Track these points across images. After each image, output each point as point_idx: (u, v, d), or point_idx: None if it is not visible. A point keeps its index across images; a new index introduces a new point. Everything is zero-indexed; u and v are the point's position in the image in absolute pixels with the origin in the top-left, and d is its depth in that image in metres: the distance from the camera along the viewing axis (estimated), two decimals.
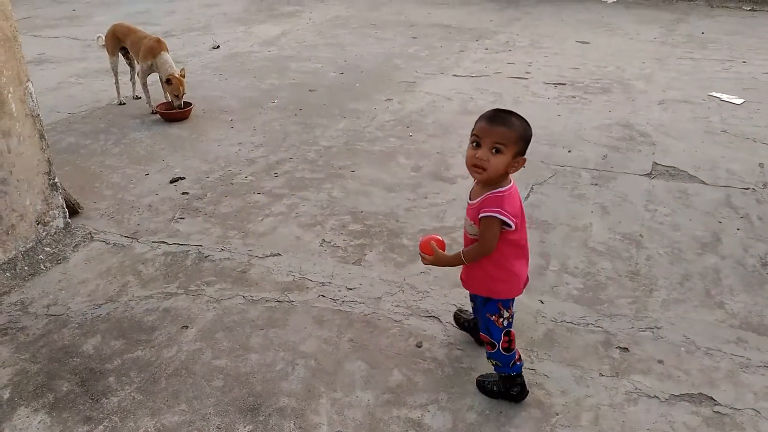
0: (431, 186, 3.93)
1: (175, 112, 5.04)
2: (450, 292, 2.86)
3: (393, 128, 4.86)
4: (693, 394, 2.30)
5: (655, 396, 2.29)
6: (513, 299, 2.17)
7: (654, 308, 2.76)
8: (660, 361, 2.46)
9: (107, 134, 4.81)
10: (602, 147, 4.44)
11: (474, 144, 1.98)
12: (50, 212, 3.16)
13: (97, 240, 3.36)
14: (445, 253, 2.16)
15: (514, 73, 6.15)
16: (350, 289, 2.92)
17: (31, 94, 2.96)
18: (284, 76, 6.23)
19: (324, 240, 3.34)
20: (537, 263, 3.08)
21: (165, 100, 5.20)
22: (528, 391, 2.27)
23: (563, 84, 5.81)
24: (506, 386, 2.25)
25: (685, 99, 5.39)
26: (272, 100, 5.57)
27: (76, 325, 2.71)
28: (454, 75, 6.17)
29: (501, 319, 2.15)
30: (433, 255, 2.15)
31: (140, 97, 5.47)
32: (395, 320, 2.69)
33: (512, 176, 2.06)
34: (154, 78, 5.30)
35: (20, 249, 3.04)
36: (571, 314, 2.73)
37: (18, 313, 2.79)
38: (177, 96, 4.95)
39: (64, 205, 3.24)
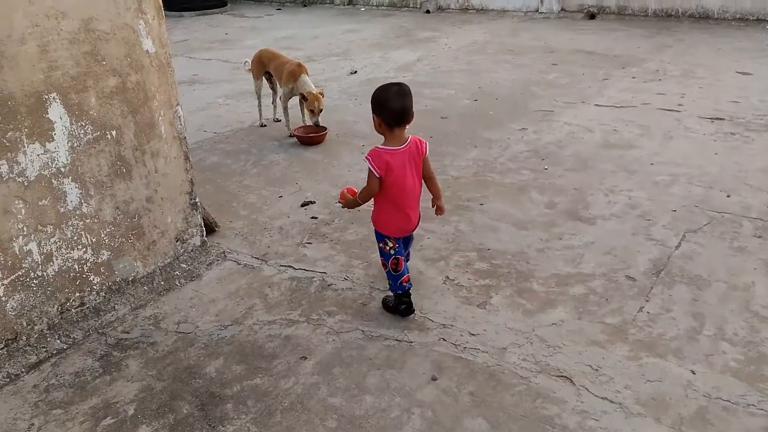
0: (567, 225, 3.67)
1: (311, 136, 5.16)
2: (586, 350, 2.60)
3: (527, 160, 4.64)
4: None
5: None
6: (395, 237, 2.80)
7: None
8: None
9: (247, 155, 5.02)
10: (767, 193, 3.94)
11: None
12: (189, 230, 3.30)
13: (230, 259, 3.46)
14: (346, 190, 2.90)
15: (665, 105, 5.68)
16: (473, 335, 2.75)
17: (179, 117, 3.12)
18: (417, 102, 6.16)
19: (447, 277, 3.21)
20: (689, 325, 2.73)
21: (303, 124, 5.36)
22: (414, 310, 2.85)
23: (721, 119, 5.27)
24: (396, 303, 2.86)
25: None
26: None
27: (202, 345, 2.78)
28: (597, 105, 5.82)
29: (387, 247, 2.81)
30: (344, 199, 2.87)
31: (280, 120, 5.68)
32: (521, 376, 2.48)
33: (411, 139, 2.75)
34: (294, 102, 5.47)
35: (159, 264, 3.20)
36: (728, 390, 2.37)
37: (150, 327, 2.92)
38: (313, 112, 5.04)
39: (202, 223, 3.39)
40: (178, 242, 3.29)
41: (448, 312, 2.92)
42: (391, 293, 2.90)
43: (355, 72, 7.50)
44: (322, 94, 5.06)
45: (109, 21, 2.72)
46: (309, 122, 5.40)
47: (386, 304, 2.93)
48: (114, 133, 2.83)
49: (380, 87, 2.67)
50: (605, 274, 3.15)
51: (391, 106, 2.61)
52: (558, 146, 4.88)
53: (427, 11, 11.52)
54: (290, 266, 3.37)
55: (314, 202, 4.10)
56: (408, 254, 3.09)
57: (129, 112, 2.85)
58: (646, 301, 2.92)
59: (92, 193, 2.79)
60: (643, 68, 6.97)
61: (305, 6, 13.01)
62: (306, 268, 3.34)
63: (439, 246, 3.51)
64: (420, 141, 2.78)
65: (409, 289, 2.84)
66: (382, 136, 2.73)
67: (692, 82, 6.36)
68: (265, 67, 5.45)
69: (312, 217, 3.89)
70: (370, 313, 2.94)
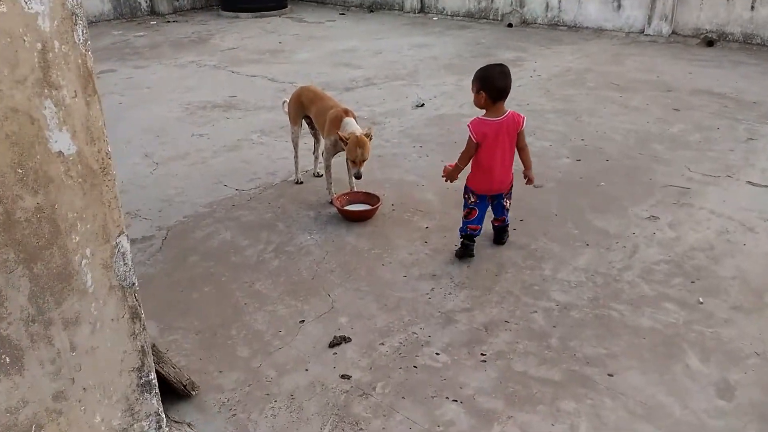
0: None
1: (354, 212, 3.83)
2: None
3: (668, 280, 3.16)
4: None
5: None
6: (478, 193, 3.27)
7: None
8: None
9: (271, 232, 3.72)
10: None
11: None
12: (135, 425, 2.01)
13: None
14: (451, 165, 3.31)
15: None
16: None
17: (124, 254, 1.81)
18: None
19: None
20: None
21: (349, 189, 4.04)
22: (470, 255, 3.34)
23: None
24: (460, 244, 3.37)
25: None
26: None
27: None
28: (750, 182, 4.25)
29: (470, 199, 3.29)
30: (447, 173, 3.31)
31: (321, 175, 4.38)
32: None
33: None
34: (340, 159, 4.15)
35: None
36: None
37: None
38: (354, 162, 3.71)
39: (160, 409, 2.08)
40: None
41: None
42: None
43: (422, 105, 6.11)
44: (369, 135, 3.71)
45: None
46: (354, 181, 4.07)
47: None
48: None
49: (485, 67, 3.13)
50: None
51: (497, 84, 3.07)
52: (709, 256, 3.37)
53: (510, 24, 10.00)
54: None
55: (349, 340, 2.75)
56: (505, 220, 3.48)
57: (20, 261, 1.58)
58: None
59: None
60: None
61: (371, 12, 11.70)
62: None
63: None
64: (518, 115, 3.18)
65: (473, 235, 3.34)
66: (483, 110, 3.17)
67: None
68: (305, 111, 4.14)
69: (343, 376, 2.54)
70: None
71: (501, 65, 3.14)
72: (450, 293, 3.09)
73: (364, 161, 3.72)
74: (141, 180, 4.51)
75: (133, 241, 3.62)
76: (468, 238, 3.34)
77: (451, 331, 2.80)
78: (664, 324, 2.82)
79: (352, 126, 3.74)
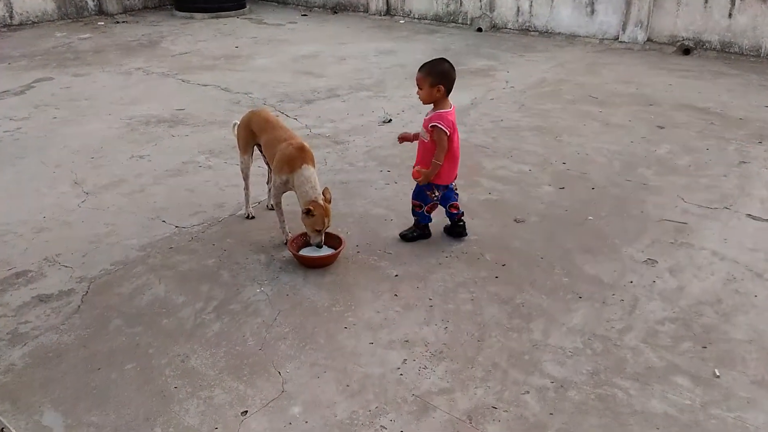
0: None
1: (313, 258, 3.30)
2: None
3: (675, 343, 2.73)
4: None
5: None
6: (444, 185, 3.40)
7: None
8: None
9: (213, 284, 3.17)
10: None
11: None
12: None
13: None
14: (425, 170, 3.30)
15: None
16: None
17: None
18: (474, 183, 4.32)
19: None
20: None
21: (303, 231, 3.51)
22: (427, 235, 3.57)
23: None
24: (417, 231, 3.54)
25: None
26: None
27: None
28: (750, 216, 3.86)
29: (433, 195, 3.41)
30: (422, 176, 3.30)
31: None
32: None
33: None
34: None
35: None
36: None
37: None
38: (318, 231, 3.22)
39: None
40: None
41: None
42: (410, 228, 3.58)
43: (390, 120, 5.61)
44: (328, 199, 3.25)
45: None
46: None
47: (406, 236, 3.55)
48: None
49: (436, 62, 3.21)
50: None
51: (452, 76, 3.22)
52: (719, 312, 2.95)
53: (479, 29, 9.57)
54: None
55: None
56: (458, 206, 3.53)
57: None
58: None
59: None
60: None
61: (335, 13, 11.13)
62: None
63: None
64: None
65: (428, 222, 3.56)
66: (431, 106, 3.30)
67: None
68: (256, 139, 3.59)
69: None
70: None
71: (446, 60, 3.23)
72: (425, 367, 2.59)
73: (327, 227, 3.27)
74: (66, 215, 3.90)
75: (47, 299, 3.04)
76: (427, 224, 3.55)
77: (427, 423, 2.30)
78: (678, 407, 2.38)
79: (313, 183, 3.21)
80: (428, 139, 3.28)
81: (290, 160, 3.22)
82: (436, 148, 3.23)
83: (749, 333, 2.79)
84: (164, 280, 3.20)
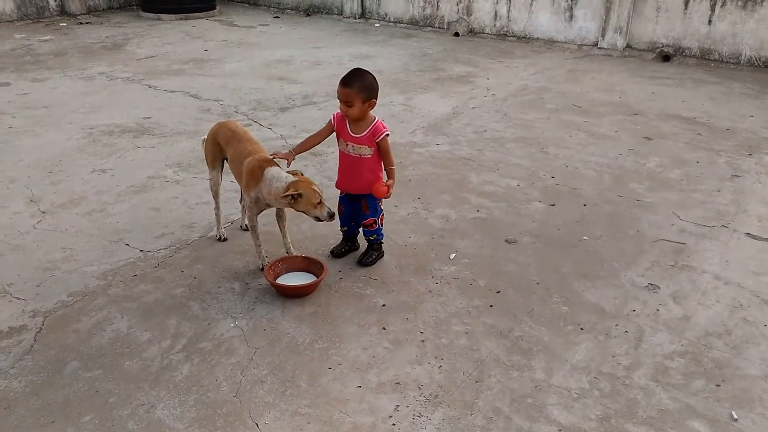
0: None
1: (291, 288, 3.03)
2: None
3: (687, 381, 2.53)
4: None
5: None
6: None
7: None
8: None
9: (181, 318, 2.88)
10: None
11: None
12: None
13: None
14: (387, 181, 3.13)
15: None
16: None
17: None
18: (462, 200, 4.09)
19: None
20: None
21: (281, 256, 3.23)
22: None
23: None
24: (380, 251, 3.36)
25: None
26: (449, 254, 3.44)
27: None
28: (749, 235, 3.71)
29: (381, 205, 3.28)
30: (387, 190, 3.08)
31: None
32: None
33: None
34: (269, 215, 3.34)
35: None
36: None
37: None
38: (320, 203, 2.95)
39: None
40: None
41: None
42: (370, 252, 3.37)
43: None
44: (302, 178, 3.01)
45: None
46: (290, 244, 3.30)
47: (368, 262, 3.34)
48: None
49: (365, 76, 3.02)
50: None
51: (378, 88, 3.10)
52: (729, 344, 2.76)
53: (456, 34, 9.38)
54: None
55: None
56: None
57: None
58: None
59: None
60: None
61: (308, 15, 10.83)
62: None
63: None
64: None
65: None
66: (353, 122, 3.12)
67: None
68: (223, 153, 3.30)
69: None
70: None
71: (366, 70, 3.06)
72: (420, 415, 2.34)
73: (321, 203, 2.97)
74: (19, 237, 3.56)
75: None
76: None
77: None
78: None
79: (278, 176, 2.94)
80: (371, 153, 3.10)
81: (257, 173, 2.94)
82: (387, 156, 3.13)
83: (763, 368, 2.61)
84: (127, 314, 2.89)
